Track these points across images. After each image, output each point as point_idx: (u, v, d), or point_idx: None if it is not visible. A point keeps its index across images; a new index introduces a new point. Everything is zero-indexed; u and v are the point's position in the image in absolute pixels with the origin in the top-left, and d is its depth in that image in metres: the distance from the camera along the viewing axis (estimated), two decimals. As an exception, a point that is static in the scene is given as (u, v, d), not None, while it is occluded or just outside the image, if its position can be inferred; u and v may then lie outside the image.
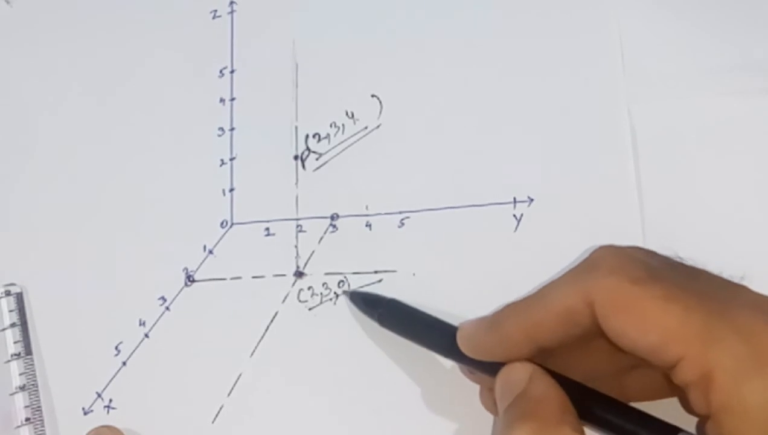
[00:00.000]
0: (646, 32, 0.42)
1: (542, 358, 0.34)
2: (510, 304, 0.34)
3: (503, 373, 0.34)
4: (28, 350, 0.43)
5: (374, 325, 0.40)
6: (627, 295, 0.31)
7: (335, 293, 0.42)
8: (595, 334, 0.32)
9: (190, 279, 0.43)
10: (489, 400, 0.37)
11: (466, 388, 0.39)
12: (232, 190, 0.44)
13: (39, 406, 0.42)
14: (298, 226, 0.43)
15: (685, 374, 0.30)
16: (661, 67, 0.41)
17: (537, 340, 0.33)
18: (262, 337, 0.42)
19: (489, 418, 0.39)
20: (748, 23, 0.42)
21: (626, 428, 0.32)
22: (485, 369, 0.35)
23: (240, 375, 0.42)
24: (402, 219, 0.42)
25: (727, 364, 0.29)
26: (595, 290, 0.31)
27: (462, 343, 0.35)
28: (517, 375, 0.33)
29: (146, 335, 0.43)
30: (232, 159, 0.44)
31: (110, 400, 0.42)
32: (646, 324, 0.30)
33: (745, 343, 0.29)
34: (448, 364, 0.40)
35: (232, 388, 0.41)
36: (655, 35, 0.42)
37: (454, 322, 0.37)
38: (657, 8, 0.43)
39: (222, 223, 0.44)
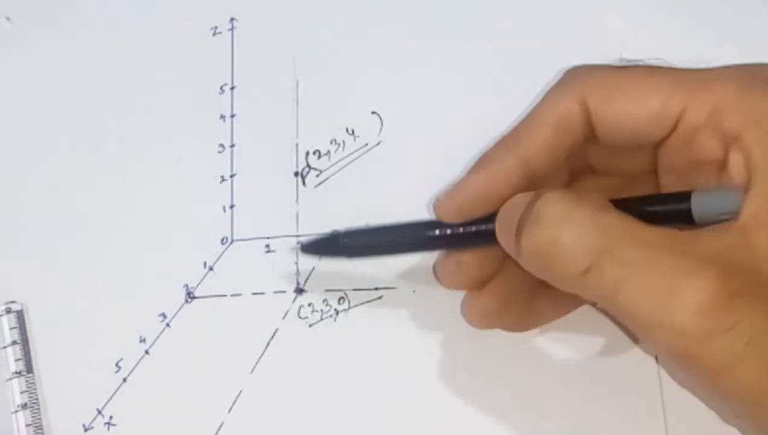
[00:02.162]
0: (647, 49, 0.42)
1: None
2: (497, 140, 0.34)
3: (505, 207, 0.33)
4: (29, 368, 0.43)
5: (374, 342, 0.40)
6: (618, 77, 0.32)
7: (336, 310, 0.42)
8: (579, 152, 0.33)
9: (190, 296, 0.43)
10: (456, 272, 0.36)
11: (468, 404, 0.39)
12: (232, 206, 0.44)
13: (41, 425, 0.42)
14: (298, 242, 0.43)
15: (692, 120, 0.30)
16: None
17: (529, 161, 0.33)
18: (263, 354, 0.42)
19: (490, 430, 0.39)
20: (748, 32, 0.42)
21: (644, 213, 0.31)
22: (471, 239, 0.35)
23: (240, 392, 0.42)
24: (402, 236, 0.42)
25: (731, 89, 0.30)
26: (586, 86, 0.32)
27: (445, 202, 0.35)
28: (522, 196, 0.32)
29: (147, 352, 0.43)
30: (232, 175, 0.44)
31: (111, 417, 0.42)
32: (645, 92, 0.31)
33: (741, 71, 0.31)
34: (451, 380, 0.40)
35: (233, 405, 0.41)
36: (656, 52, 0.42)
37: (453, 336, 0.38)
38: (657, 25, 0.43)
39: (222, 240, 0.44)
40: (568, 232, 0.29)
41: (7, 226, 0.45)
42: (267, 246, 0.43)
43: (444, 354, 0.40)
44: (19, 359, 0.43)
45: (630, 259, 0.28)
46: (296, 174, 0.44)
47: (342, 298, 0.42)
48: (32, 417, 0.42)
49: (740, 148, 0.30)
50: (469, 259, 0.36)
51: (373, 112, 0.44)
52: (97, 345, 0.43)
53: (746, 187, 0.29)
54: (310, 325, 0.42)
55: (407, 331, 0.41)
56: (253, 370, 0.42)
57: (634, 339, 0.38)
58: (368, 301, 0.42)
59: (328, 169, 0.44)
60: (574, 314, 0.38)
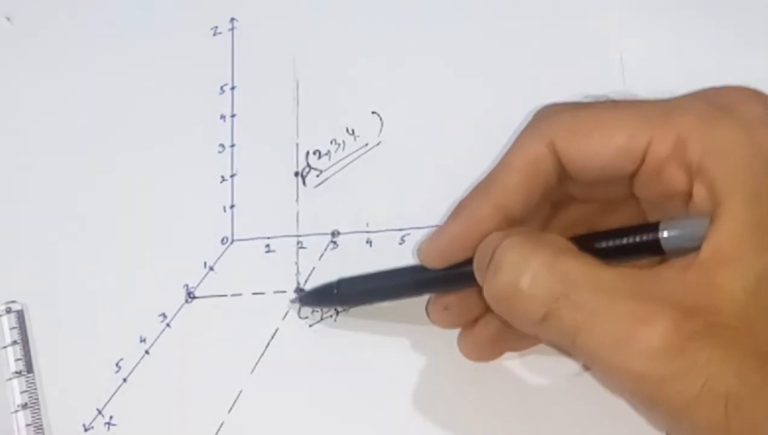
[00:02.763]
0: (647, 52, 0.43)
1: None
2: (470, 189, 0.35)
3: (480, 247, 0.33)
4: (29, 368, 0.43)
5: (375, 343, 0.40)
6: (583, 117, 0.32)
7: (336, 310, 0.42)
8: (555, 189, 0.33)
9: (190, 296, 0.43)
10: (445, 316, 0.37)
11: (469, 403, 0.39)
12: (232, 206, 0.44)
13: (41, 425, 0.42)
14: (298, 242, 0.43)
15: (658, 153, 0.31)
16: (661, 86, 0.41)
17: (504, 207, 0.33)
18: (263, 354, 0.42)
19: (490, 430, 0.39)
20: (748, 31, 0.43)
21: (612, 247, 0.32)
22: (456, 282, 0.35)
23: (240, 392, 0.42)
24: (403, 236, 0.42)
25: (692, 120, 0.30)
26: (553, 128, 0.32)
27: (427, 249, 0.35)
28: (494, 236, 0.33)
29: (147, 352, 0.43)
30: (232, 175, 0.44)
31: (111, 417, 0.42)
32: (609, 130, 0.32)
33: (701, 99, 0.31)
34: (452, 380, 0.40)
35: (233, 405, 0.41)
36: (656, 55, 0.43)
37: (454, 336, 0.38)
38: (657, 28, 0.43)
39: (222, 240, 0.44)
40: (525, 279, 0.30)
41: (7, 227, 0.45)
42: (267, 246, 0.43)
43: (445, 354, 0.40)
44: (19, 359, 0.43)
45: (587, 305, 0.29)
46: (296, 174, 0.44)
47: (343, 298, 0.42)
48: (32, 417, 0.42)
49: (704, 180, 0.30)
50: (456, 303, 0.37)
51: (374, 112, 0.44)
52: (97, 345, 0.43)
53: (711, 219, 0.29)
54: (311, 326, 0.42)
55: (407, 331, 0.41)
56: (253, 370, 0.42)
57: (585, 367, 0.39)
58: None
59: (328, 169, 0.44)
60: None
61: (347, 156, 0.44)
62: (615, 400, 0.35)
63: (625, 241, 0.32)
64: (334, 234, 0.43)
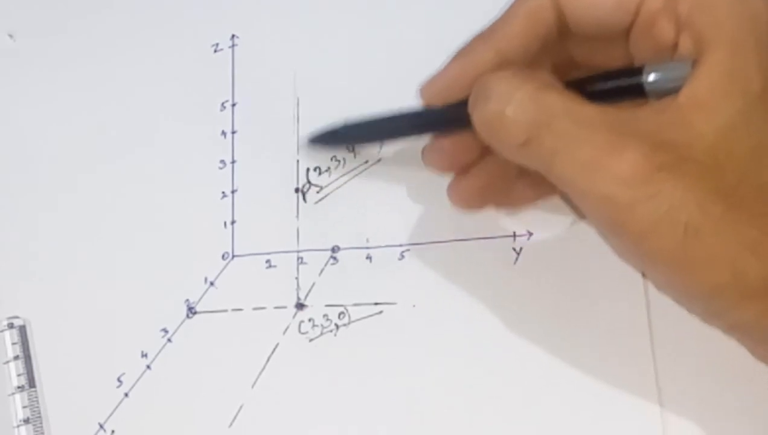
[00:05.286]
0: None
1: None
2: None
3: (475, 84, 0.34)
4: (31, 383, 0.43)
5: (374, 357, 0.40)
6: None
7: (336, 325, 0.42)
8: (555, 44, 0.35)
9: (191, 311, 0.43)
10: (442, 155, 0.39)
11: (468, 417, 0.40)
12: (233, 222, 0.44)
13: (43, 439, 0.42)
14: (299, 258, 0.43)
15: (650, 7, 0.32)
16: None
17: (503, 52, 0.35)
18: (263, 369, 0.42)
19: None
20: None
21: (597, 90, 0.33)
22: (453, 122, 0.36)
23: (241, 406, 0.42)
24: (402, 252, 0.42)
25: None
26: None
27: (428, 87, 0.37)
28: (489, 73, 0.34)
29: (148, 367, 0.43)
30: (233, 191, 0.45)
31: (112, 431, 0.42)
32: None
33: None
34: (450, 395, 0.40)
35: (234, 419, 0.42)
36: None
37: (453, 350, 0.39)
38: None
39: (223, 256, 0.44)
40: (510, 107, 0.32)
41: (10, 242, 0.45)
42: (268, 261, 0.44)
43: (443, 368, 0.40)
44: (21, 374, 0.43)
45: (565, 134, 0.31)
46: (297, 190, 0.44)
47: (342, 312, 0.42)
48: (35, 432, 0.42)
49: (690, 31, 0.31)
50: (450, 147, 0.38)
51: (374, 130, 0.44)
52: (99, 360, 0.43)
53: (692, 66, 0.31)
54: (311, 340, 0.42)
55: (407, 345, 0.41)
56: (254, 385, 0.42)
57: (580, 215, 0.40)
58: (368, 316, 0.42)
59: (328, 185, 0.44)
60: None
61: (347, 172, 0.44)
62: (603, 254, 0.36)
63: (609, 84, 0.33)
64: (335, 250, 0.43)
